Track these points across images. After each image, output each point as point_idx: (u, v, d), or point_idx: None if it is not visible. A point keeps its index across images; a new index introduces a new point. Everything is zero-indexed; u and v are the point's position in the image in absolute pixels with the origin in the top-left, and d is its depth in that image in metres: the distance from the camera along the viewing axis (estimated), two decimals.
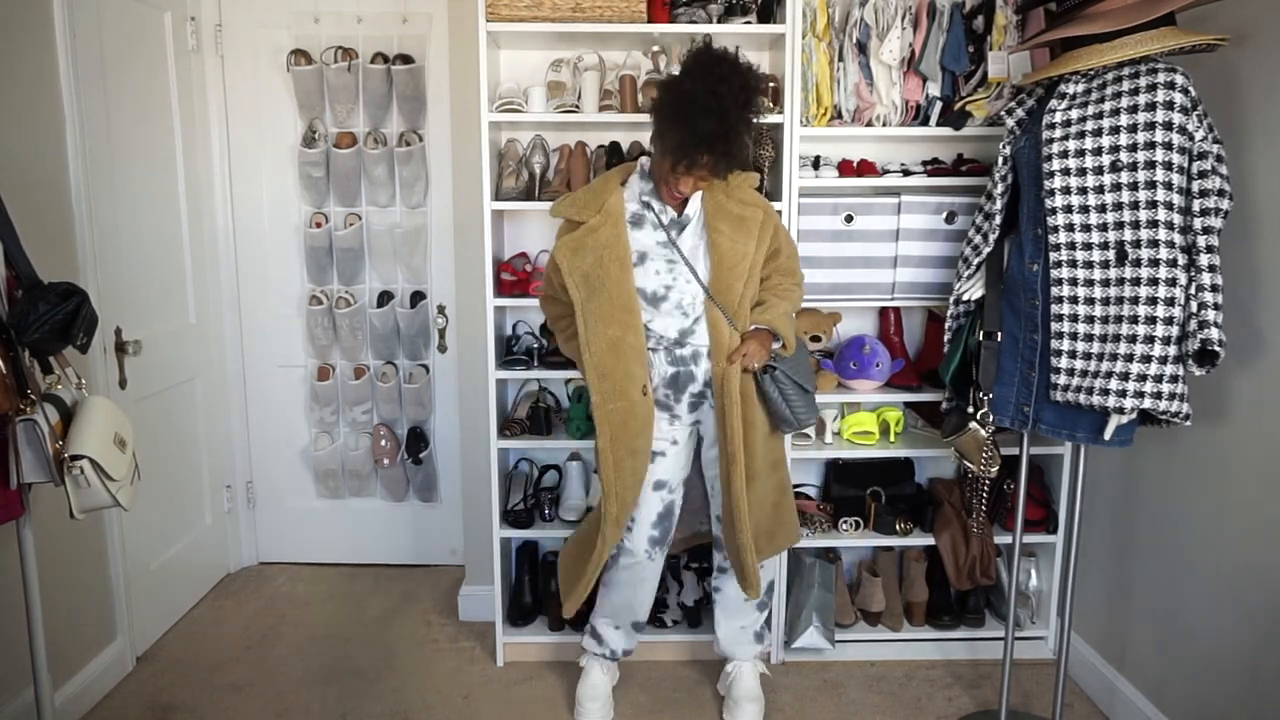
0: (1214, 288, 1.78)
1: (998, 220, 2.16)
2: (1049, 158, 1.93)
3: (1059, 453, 2.68)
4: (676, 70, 2.62)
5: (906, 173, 2.65)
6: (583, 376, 2.16)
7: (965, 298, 2.26)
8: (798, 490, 2.90)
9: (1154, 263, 1.80)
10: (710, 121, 1.90)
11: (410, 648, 2.82)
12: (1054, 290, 1.96)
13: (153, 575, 2.81)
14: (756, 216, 2.14)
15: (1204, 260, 1.79)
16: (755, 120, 2.03)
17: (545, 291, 2.30)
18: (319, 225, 3.14)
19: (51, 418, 1.73)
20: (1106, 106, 1.86)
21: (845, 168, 2.68)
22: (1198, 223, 1.79)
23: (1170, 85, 1.78)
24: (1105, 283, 1.88)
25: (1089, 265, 1.90)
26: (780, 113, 2.49)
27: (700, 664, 2.66)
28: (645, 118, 2.50)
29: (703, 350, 2.14)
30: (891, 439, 2.74)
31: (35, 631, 1.84)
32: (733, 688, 2.42)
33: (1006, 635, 2.30)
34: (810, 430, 2.74)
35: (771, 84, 2.55)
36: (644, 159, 2.17)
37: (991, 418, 2.16)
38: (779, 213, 2.48)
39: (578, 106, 2.55)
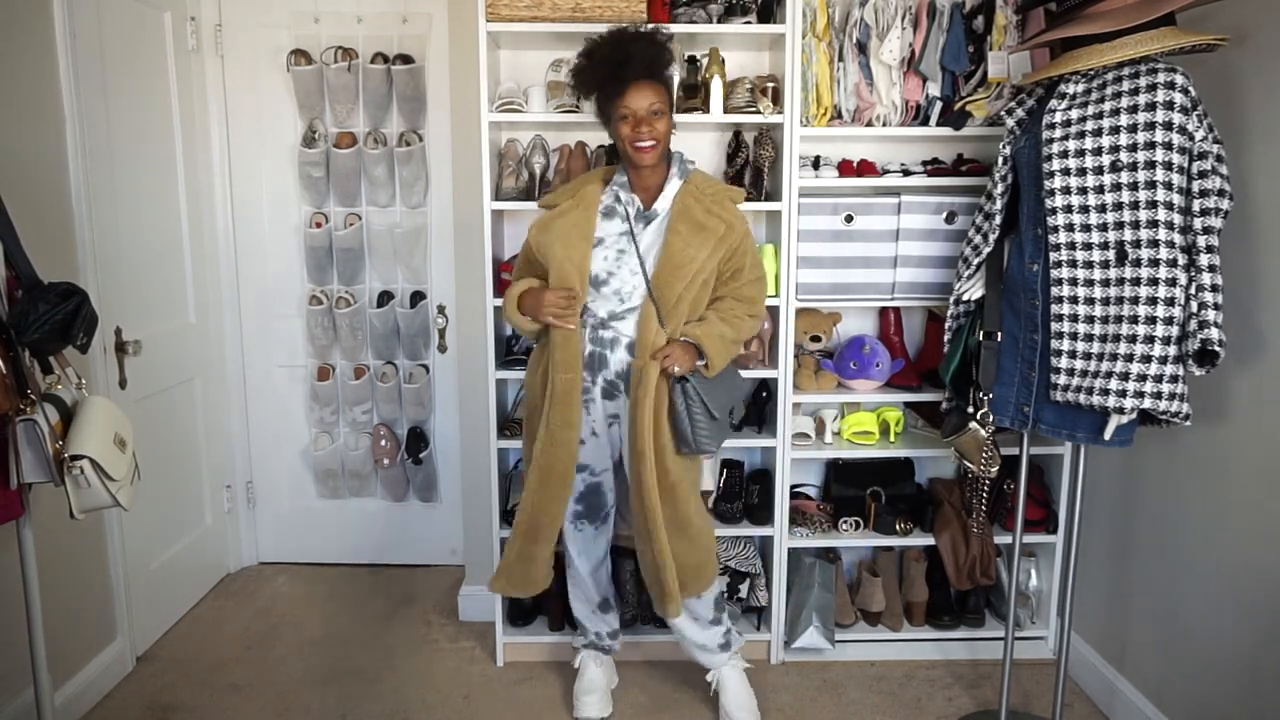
0: (1214, 288, 1.78)
1: (998, 220, 2.16)
2: (1049, 158, 1.93)
3: (1059, 453, 2.68)
4: (676, 70, 2.64)
5: (906, 173, 2.65)
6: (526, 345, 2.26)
7: (965, 298, 2.26)
8: (797, 490, 2.90)
9: (1154, 263, 1.80)
10: (605, 50, 2.06)
11: (410, 648, 2.82)
12: (1054, 290, 1.96)
13: (153, 575, 2.81)
14: (718, 229, 2.13)
15: (1204, 260, 1.79)
16: (660, 40, 2.10)
17: (516, 269, 2.37)
18: (319, 225, 3.14)
19: (51, 418, 1.73)
20: (1106, 106, 1.86)
21: (845, 168, 2.68)
22: (1198, 223, 1.79)
23: (1170, 85, 1.78)
24: (1105, 283, 1.88)
25: (1089, 265, 1.90)
26: (780, 113, 2.49)
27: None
28: None
29: (623, 339, 2.14)
30: (891, 439, 2.74)
31: (35, 631, 1.84)
32: (722, 696, 2.40)
33: (1006, 635, 2.30)
34: (811, 430, 2.75)
35: (771, 84, 2.55)
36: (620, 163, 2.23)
37: (991, 418, 2.16)
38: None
39: (578, 106, 2.54)
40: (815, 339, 2.77)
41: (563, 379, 2.14)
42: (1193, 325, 1.79)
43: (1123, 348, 1.84)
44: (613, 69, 2.05)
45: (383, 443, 3.23)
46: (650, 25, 2.17)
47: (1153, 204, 1.79)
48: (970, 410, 2.23)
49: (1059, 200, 1.92)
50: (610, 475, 2.30)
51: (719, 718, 2.41)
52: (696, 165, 2.31)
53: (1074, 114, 1.91)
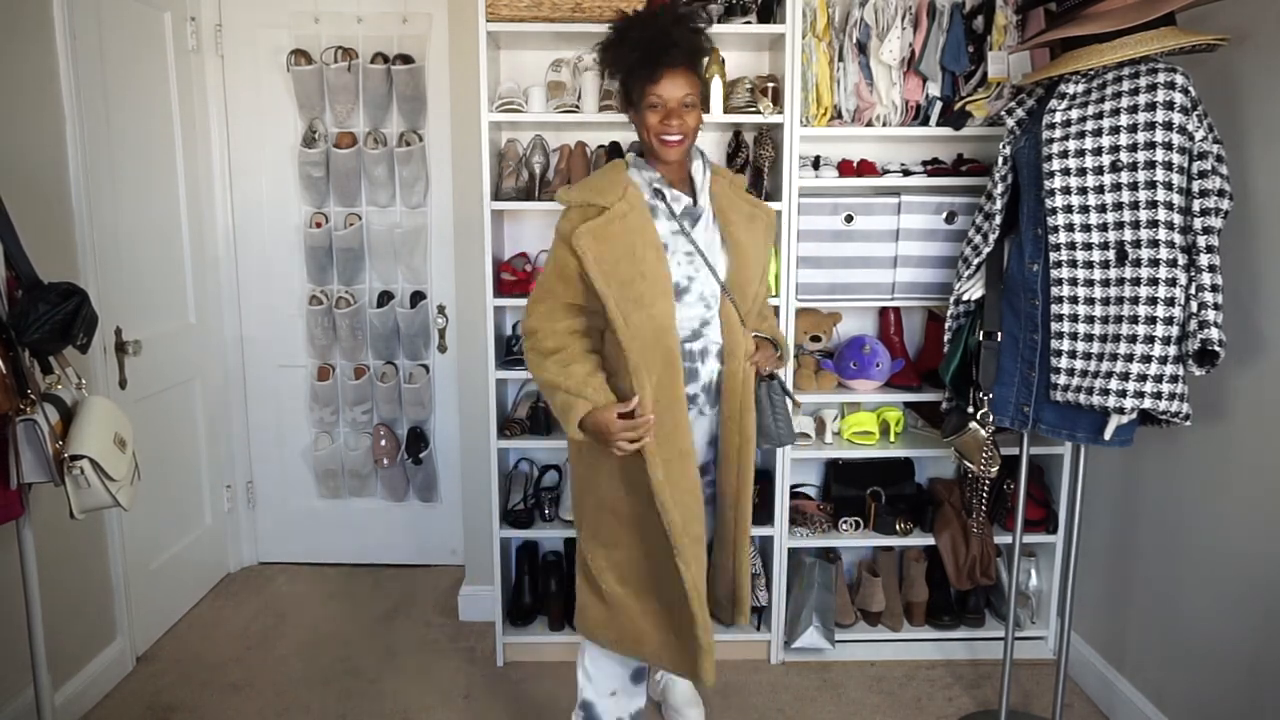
0: (1214, 288, 1.78)
1: (998, 220, 2.16)
2: (1049, 158, 1.93)
3: (1059, 453, 2.68)
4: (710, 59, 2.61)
5: (906, 173, 2.65)
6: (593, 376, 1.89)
7: (965, 298, 2.26)
8: (797, 490, 2.90)
9: (1154, 263, 1.80)
10: (644, 31, 1.86)
11: (410, 648, 2.82)
12: (1054, 290, 1.96)
13: (153, 575, 2.81)
14: (762, 216, 2.05)
15: (1204, 260, 1.79)
16: (702, 26, 1.93)
17: (542, 302, 1.95)
18: (319, 225, 3.14)
19: (51, 418, 1.74)
20: (1106, 106, 1.86)
21: (845, 168, 2.68)
22: (1198, 223, 1.79)
23: (1170, 85, 1.78)
24: (1105, 283, 1.88)
25: (1089, 265, 1.90)
26: (780, 113, 2.49)
27: None
28: None
29: (713, 349, 1.96)
30: (891, 439, 2.74)
31: (35, 631, 1.84)
32: (669, 695, 2.37)
33: (1006, 635, 2.30)
34: (811, 430, 2.74)
35: (771, 84, 2.55)
36: (630, 154, 2.03)
37: (991, 418, 2.16)
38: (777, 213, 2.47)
39: (578, 106, 2.55)
40: (815, 339, 2.77)
41: (663, 402, 1.87)
42: (1193, 325, 1.79)
43: (1123, 348, 1.84)
44: (650, 53, 1.84)
45: (383, 443, 3.23)
46: (691, 4, 2.00)
47: (1153, 204, 1.79)
48: (970, 410, 2.23)
49: (1059, 200, 1.92)
50: None
51: (664, 717, 2.40)
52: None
53: (1074, 114, 1.91)
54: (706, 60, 2.36)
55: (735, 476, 2.01)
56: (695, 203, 1.97)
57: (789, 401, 2.10)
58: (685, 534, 1.87)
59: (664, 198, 1.93)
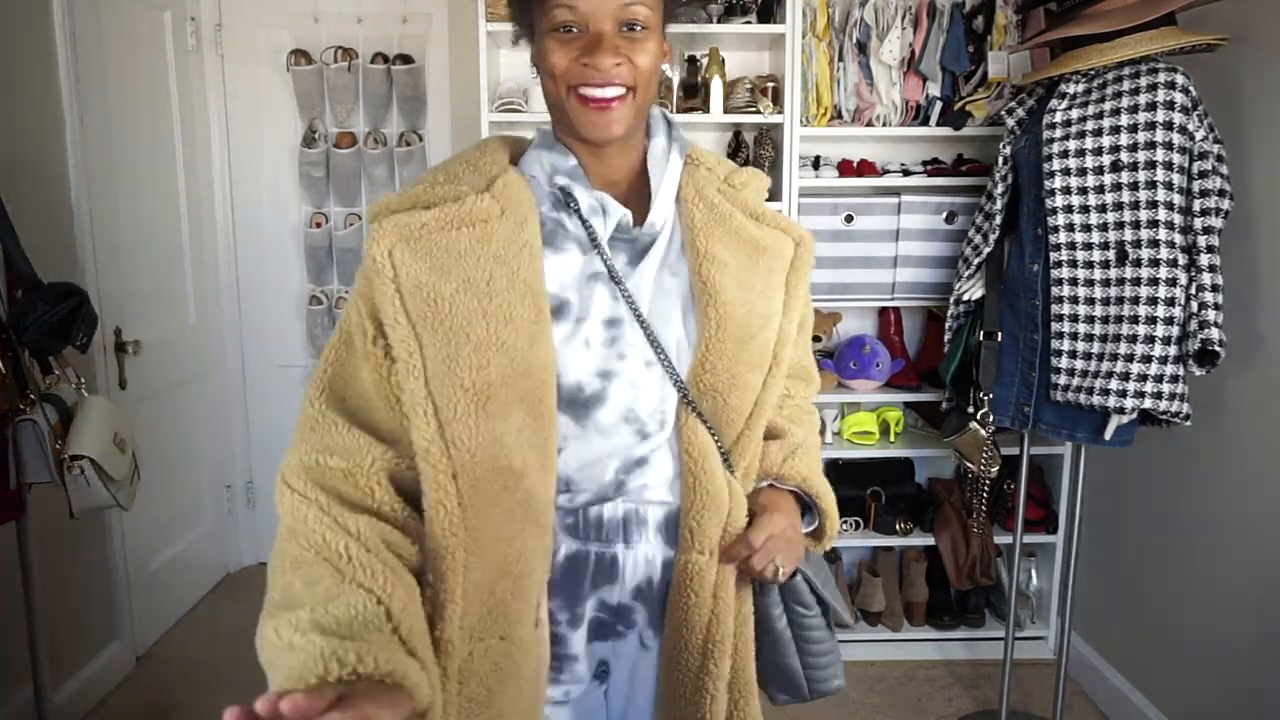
0: (1214, 288, 1.78)
1: (998, 220, 2.16)
2: (1049, 158, 1.93)
3: (1059, 453, 2.68)
4: (677, 72, 2.64)
5: (906, 173, 2.65)
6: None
7: (965, 298, 2.26)
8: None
9: (1154, 263, 1.80)
10: None
11: None
12: (1054, 290, 1.96)
13: (153, 575, 2.80)
14: (785, 248, 1.04)
15: (1204, 260, 1.79)
16: None
17: (333, 356, 1.02)
18: (319, 225, 3.14)
19: (51, 418, 1.74)
20: (1107, 106, 1.86)
21: (845, 168, 2.68)
22: (1198, 223, 1.79)
23: (1171, 85, 1.78)
24: (1105, 283, 1.88)
25: (1089, 265, 1.90)
26: (780, 113, 2.49)
27: None
28: None
29: (653, 516, 1.00)
30: (891, 439, 2.74)
31: (36, 631, 1.84)
32: None
33: (1006, 635, 2.30)
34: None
35: (771, 84, 2.55)
36: (542, 128, 1.05)
37: (991, 418, 2.16)
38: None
39: None
40: (815, 339, 2.77)
41: (488, 648, 0.92)
42: (1193, 325, 1.79)
43: (1123, 348, 1.84)
44: None
45: None
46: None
47: (1153, 204, 1.79)
48: (970, 410, 2.23)
49: (1059, 200, 1.92)
50: None
51: None
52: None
53: (1074, 114, 1.91)
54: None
55: None
56: (644, 220, 0.99)
57: (825, 609, 1.15)
58: None
59: (574, 205, 0.97)
